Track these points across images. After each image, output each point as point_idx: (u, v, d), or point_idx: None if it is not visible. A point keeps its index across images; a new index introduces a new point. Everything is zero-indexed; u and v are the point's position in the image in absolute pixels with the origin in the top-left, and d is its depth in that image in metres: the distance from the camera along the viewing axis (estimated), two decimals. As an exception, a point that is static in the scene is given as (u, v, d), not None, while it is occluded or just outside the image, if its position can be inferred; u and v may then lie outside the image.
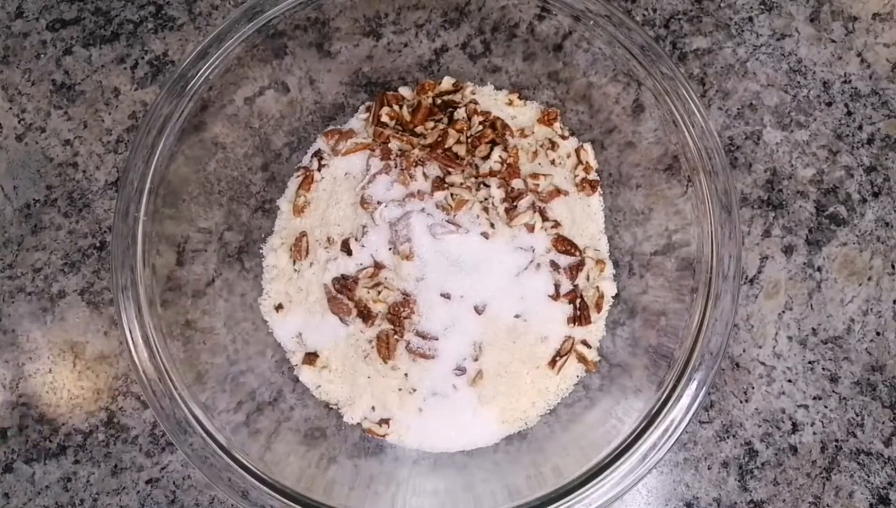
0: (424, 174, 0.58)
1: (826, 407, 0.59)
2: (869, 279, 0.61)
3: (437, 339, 0.55)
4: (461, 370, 0.56)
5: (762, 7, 0.65)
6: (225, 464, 0.48)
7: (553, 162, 0.60)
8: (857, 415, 0.59)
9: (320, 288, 0.57)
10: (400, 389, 0.56)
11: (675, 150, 0.52)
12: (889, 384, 0.59)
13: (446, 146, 0.58)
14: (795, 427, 0.59)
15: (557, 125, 0.61)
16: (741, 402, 0.59)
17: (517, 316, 0.56)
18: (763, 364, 0.60)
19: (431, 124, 0.59)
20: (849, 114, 0.63)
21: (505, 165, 0.58)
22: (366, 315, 0.56)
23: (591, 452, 0.48)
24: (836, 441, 0.59)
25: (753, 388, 0.59)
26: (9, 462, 0.60)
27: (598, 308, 0.58)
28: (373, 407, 0.57)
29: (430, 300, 0.55)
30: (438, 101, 0.60)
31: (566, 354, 0.56)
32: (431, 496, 0.54)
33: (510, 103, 0.61)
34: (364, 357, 0.56)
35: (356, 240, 0.57)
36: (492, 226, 0.56)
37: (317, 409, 0.58)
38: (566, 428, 0.56)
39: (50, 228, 0.63)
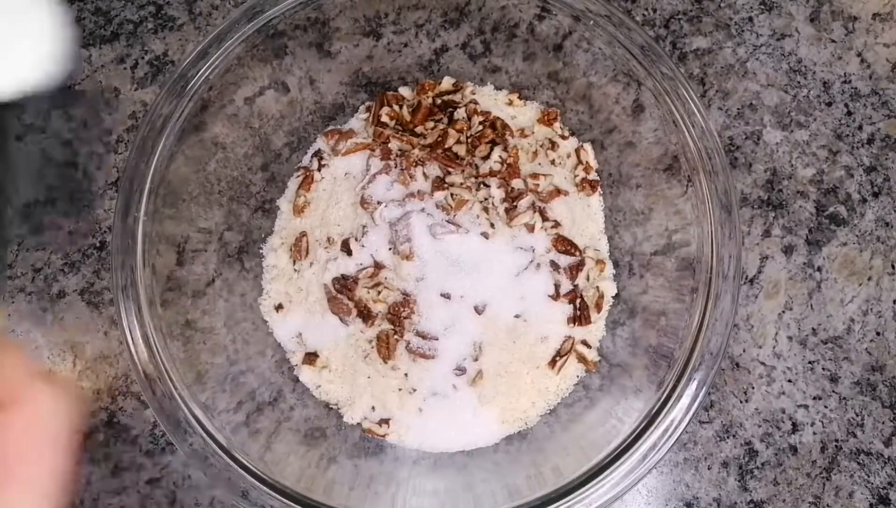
0: (424, 174, 0.58)
1: (826, 407, 0.59)
2: (869, 279, 0.61)
3: (437, 339, 0.55)
4: (461, 370, 0.56)
5: (762, 7, 0.65)
6: (225, 464, 0.47)
7: (553, 162, 0.60)
8: (857, 415, 0.59)
9: (320, 288, 0.57)
10: (400, 389, 0.56)
11: (675, 150, 0.52)
12: (889, 384, 0.59)
13: (446, 146, 0.58)
14: (795, 427, 0.59)
15: (557, 125, 0.61)
16: (741, 402, 0.59)
17: (517, 316, 0.56)
18: (763, 364, 0.60)
19: (431, 124, 0.59)
20: (849, 114, 0.63)
21: (505, 165, 0.58)
22: (366, 315, 0.56)
23: (591, 452, 0.48)
24: (836, 441, 0.59)
25: (753, 388, 0.59)
26: (9, 462, 0.60)
27: (598, 308, 0.58)
28: (373, 407, 0.57)
29: (430, 300, 0.55)
30: (438, 101, 0.60)
31: (566, 354, 0.56)
32: (431, 496, 0.54)
33: (510, 103, 0.61)
34: (364, 357, 0.56)
35: (356, 240, 0.57)
36: (492, 226, 0.56)
37: (317, 409, 0.58)
38: (566, 428, 0.56)
39: (50, 228, 0.63)
